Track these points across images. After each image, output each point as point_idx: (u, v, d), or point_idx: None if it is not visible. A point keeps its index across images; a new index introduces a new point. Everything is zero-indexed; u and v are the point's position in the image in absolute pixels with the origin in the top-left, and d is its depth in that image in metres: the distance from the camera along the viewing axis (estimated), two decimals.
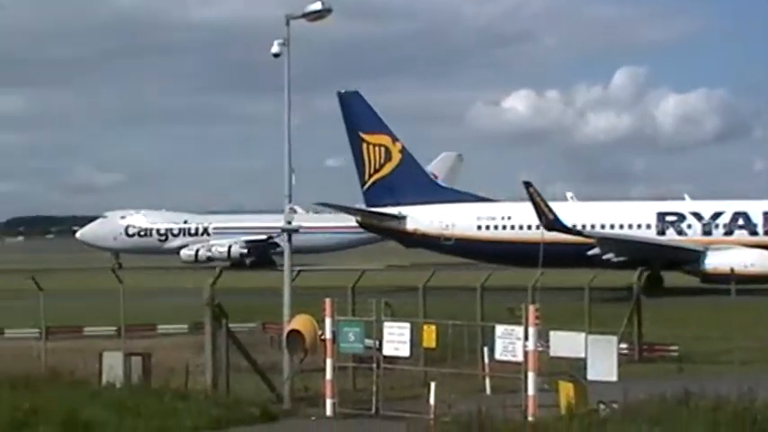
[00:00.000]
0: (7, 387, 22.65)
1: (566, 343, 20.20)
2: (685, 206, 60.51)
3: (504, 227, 60.93)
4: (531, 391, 19.63)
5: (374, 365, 21.90)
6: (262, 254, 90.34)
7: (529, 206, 53.91)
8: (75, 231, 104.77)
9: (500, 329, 20.39)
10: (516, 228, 60.26)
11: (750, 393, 18.28)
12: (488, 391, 23.36)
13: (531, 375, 19.68)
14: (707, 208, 59.38)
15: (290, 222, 24.43)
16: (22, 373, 24.15)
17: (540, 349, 20.25)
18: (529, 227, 58.58)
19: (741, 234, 57.94)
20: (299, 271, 26.03)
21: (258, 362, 23.89)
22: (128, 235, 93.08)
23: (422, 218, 62.73)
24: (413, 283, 29.05)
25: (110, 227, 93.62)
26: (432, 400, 20.40)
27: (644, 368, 27.72)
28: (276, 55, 23.34)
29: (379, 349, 21.79)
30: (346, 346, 22.11)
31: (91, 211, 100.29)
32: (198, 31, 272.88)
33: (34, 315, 30.03)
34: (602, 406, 19.14)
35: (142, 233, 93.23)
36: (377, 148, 64.27)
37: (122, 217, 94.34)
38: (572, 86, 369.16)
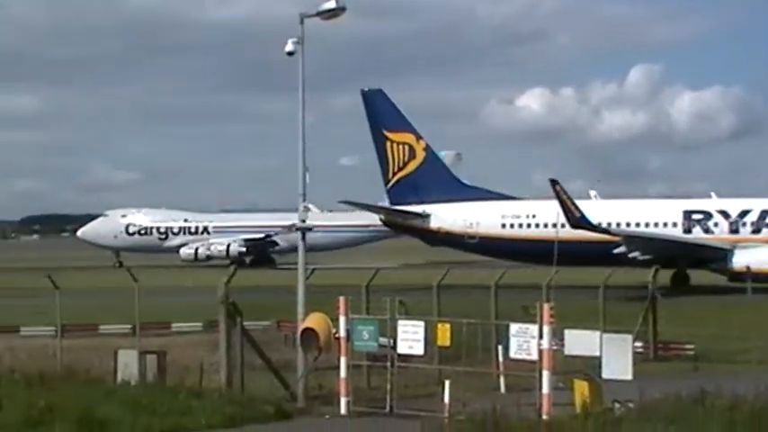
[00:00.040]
0: (23, 385, 22.76)
1: (580, 341, 20.15)
2: (712, 204, 60.10)
3: (529, 225, 60.65)
4: (545, 389, 19.59)
5: (388, 364, 21.88)
6: (260, 252, 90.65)
7: (553, 204, 53.79)
8: None
9: (514, 328, 20.35)
10: (541, 226, 60.00)
11: (767, 393, 18.18)
12: (503, 389, 23.33)
13: (545, 374, 19.64)
14: (734, 206, 58.97)
15: (304, 221, 24.44)
16: (37, 370, 24.24)
17: (555, 348, 20.21)
18: (553, 225, 58.55)
19: None
20: (313, 269, 26.04)
21: (272, 360, 23.93)
22: (128, 233, 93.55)
23: (446, 216, 62.54)
24: (427, 282, 29.01)
25: (111, 225, 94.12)
26: (446, 399, 20.38)
27: (659, 367, 27.62)
28: (290, 53, 23.33)
29: (394, 347, 21.77)
30: (360, 345, 22.11)
31: (106, 209, 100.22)
32: (213, 30, 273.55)
33: (49, 313, 30.15)
34: (617, 405, 19.08)
35: (143, 232, 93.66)
36: (401, 147, 64.16)
37: (123, 215, 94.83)
38: (587, 84, 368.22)
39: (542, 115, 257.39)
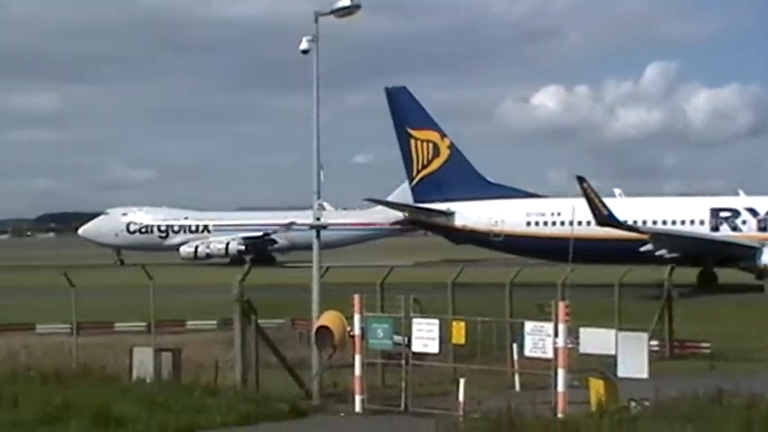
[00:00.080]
0: (39, 382, 22.85)
1: (595, 340, 20.08)
2: (740, 202, 59.63)
3: (554, 223, 60.42)
4: (560, 387, 19.53)
5: (403, 362, 21.86)
6: (260, 250, 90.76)
7: (578, 202, 53.67)
8: None
9: (529, 326, 20.29)
10: (566, 224, 59.84)
11: None
12: (518, 387, 23.29)
13: (560, 372, 19.58)
14: (762, 204, 58.50)
15: (319, 219, 24.43)
16: (53, 368, 24.33)
17: (570, 346, 20.13)
18: (579, 223, 58.43)
19: None
20: (327, 267, 26.04)
21: (287, 358, 23.94)
22: (129, 232, 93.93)
23: (470, 214, 62.34)
24: (441, 280, 28.97)
25: (112, 223, 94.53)
26: (461, 397, 20.35)
27: (675, 365, 27.52)
28: (305, 52, 23.34)
29: (408, 345, 21.75)
30: (375, 343, 22.09)
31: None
32: (227, 28, 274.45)
33: (64, 311, 30.26)
34: (632, 403, 19.00)
35: (143, 230, 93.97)
36: (425, 144, 64.00)
37: (124, 214, 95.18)
38: (602, 82, 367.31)
39: (557, 113, 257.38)
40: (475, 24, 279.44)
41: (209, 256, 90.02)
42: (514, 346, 22.51)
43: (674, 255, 53.98)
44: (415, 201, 65.09)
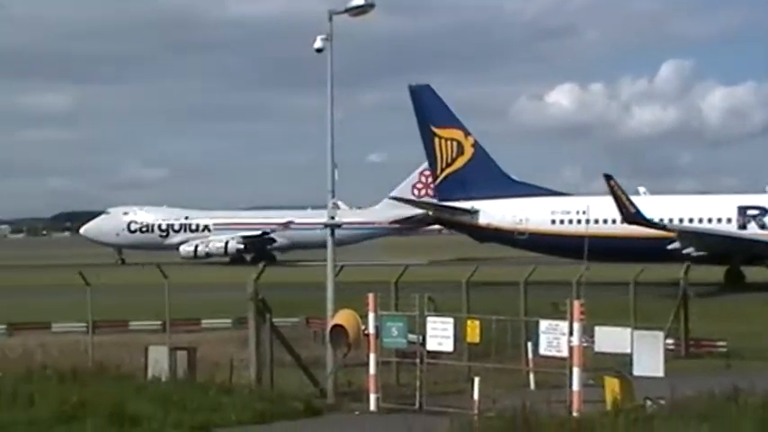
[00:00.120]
0: (55, 380, 22.95)
1: (611, 338, 20.03)
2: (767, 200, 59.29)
3: (579, 221, 60.24)
4: (575, 386, 19.48)
5: (417, 360, 21.84)
6: (259, 249, 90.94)
7: (604, 200, 53.39)
8: None
9: (544, 324, 20.25)
10: (591, 222, 59.60)
11: None
12: (532, 386, 23.23)
13: (575, 371, 19.53)
14: None
15: (333, 217, 24.44)
16: (69, 366, 24.42)
17: (585, 344, 20.08)
18: (605, 221, 58.16)
19: None
20: (342, 266, 26.05)
21: (302, 356, 23.97)
22: (130, 231, 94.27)
23: (494, 212, 62.15)
24: (456, 278, 28.94)
25: (113, 223, 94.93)
26: (476, 396, 20.32)
27: (691, 364, 27.41)
28: (319, 50, 23.33)
29: (423, 344, 21.73)
30: (389, 341, 22.08)
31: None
32: (242, 27, 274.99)
33: (79, 309, 30.38)
34: (648, 402, 18.93)
35: (144, 229, 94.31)
36: (449, 142, 63.87)
37: (125, 213, 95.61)
38: (617, 80, 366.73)
39: (572, 111, 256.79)
40: (490, 23, 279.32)
41: (208, 255, 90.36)
42: (529, 344, 22.48)
43: (701, 253, 53.71)
44: (439, 199, 65.00)
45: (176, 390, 21.70)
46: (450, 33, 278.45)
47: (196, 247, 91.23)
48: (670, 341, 27.06)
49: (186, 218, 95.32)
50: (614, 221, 55.02)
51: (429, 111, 63.74)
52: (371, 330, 22.00)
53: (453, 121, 64.04)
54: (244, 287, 23.39)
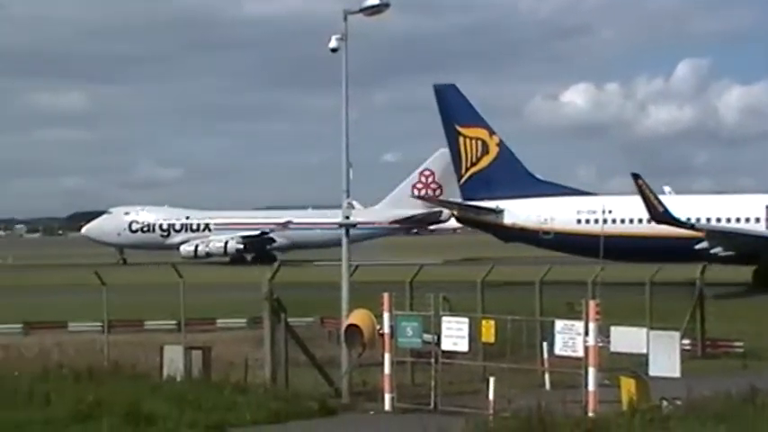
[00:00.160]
0: (71, 380, 23.05)
1: (626, 338, 19.96)
2: None
3: (605, 221, 60.02)
4: (591, 386, 19.41)
5: (432, 360, 21.82)
6: (258, 249, 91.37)
7: (630, 199, 53.12)
8: None
9: (560, 324, 20.19)
10: (618, 221, 59.28)
11: None
12: (548, 386, 23.18)
13: (591, 371, 19.46)
14: None
15: (348, 217, 24.42)
16: (85, 366, 24.52)
17: (601, 344, 20.01)
18: (631, 220, 57.93)
19: None
20: (357, 266, 26.03)
21: (316, 356, 23.97)
22: (131, 231, 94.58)
23: (520, 212, 61.90)
24: (471, 278, 28.89)
25: (114, 223, 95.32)
26: (491, 396, 20.28)
27: (707, 364, 27.27)
28: (334, 50, 23.33)
29: (438, 344, 21.70)
30: (404, 341, 22.05)
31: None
32: (257, 27, 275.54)
33: (95, 309, 30.48)
34: (664, 402, 18.83)
35: (145, 229, 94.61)
36: (474, 142, 63.65)
37: (126, 213, 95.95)
38: (632, 79, 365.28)
39: (587, 111, 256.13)
40: (505, 22, 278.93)
41: (208, 255, 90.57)
42: (544, 344, 22.41)
43: (729, 253, 53.36)
44: (464, 198, 64.75)
45: (191, 389, 21.75)
46: (464, 32, 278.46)
47: (196, 246, 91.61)
48: (686, 341, 26.90)
49: (187, 218, 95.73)
50: (640, 221, 54.70)
51: (454, 110, 63.52)
52: (386, 330, 21.98)
53: (478, 121, 63.82)
54: (254, 287, 23.43)
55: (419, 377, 23.48)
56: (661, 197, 56.62)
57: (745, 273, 55.16)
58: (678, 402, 18.65)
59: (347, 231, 24.53)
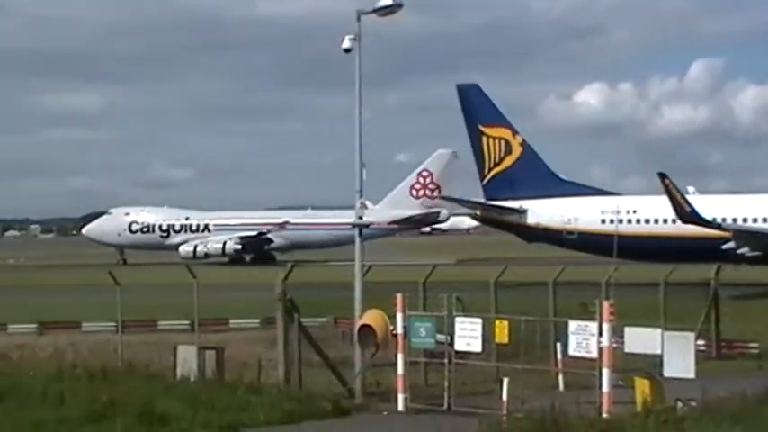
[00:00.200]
0: (85, 379, 23.09)
1: (641, 339, 19.86)
2: None
3: (630, 221, 59.68)
4: (605, 387, 19.34)
5: (446, 361, 21.78)
6: (257, 249, 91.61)
7: (654, 200, 52.85)
8: None
9: (573, 325, 20.12)
10: (642, 222, 59.04)
11: None
12: (561, 387, 23.10)
13: (605, 371, 19.39)
14: None
15: (361, 217, 24.41)
16: (99, 365, 24.58)
17: (615, 345, 19.94)
18: (656, 221, 57.69)
19: None
20: (370, 266, 26.01)
21: (330, 356, 23.96)
22: (131, 231, 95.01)
23: (543, 212, 61.70)
24: (484, 279, 28.84)
25: (114, 223, 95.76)
26: (504, 396, 20.23)
27: (722, 365, 27.15)
28: (347, 50, 23.32)
29: (451, 344, 21.66)
30: (418, 341, 22.02)
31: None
32: (270, 27, 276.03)
33: (109, 309, 30.55)
34: (679, 403, 18.75)
35: (145, 229, 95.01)
36: (497, 142, 63.53)
37: (126, 213, 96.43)
38: (646, 79, 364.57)
39: (601, 111, 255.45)
40: (518, 22, 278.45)
41: (207, 255, 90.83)
42: (558, 345, 22.35)
43: (755, 253, 53.03)
44: (487, 198, 64.57)
45: (205, 389, 21.77)
46: (477, 33, 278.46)
47: (195, 247, 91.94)
48: (701, 342, 26.80)
49: (187, 218, 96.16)
50: (665, 221, 54.42)
51: (477, 110, 63.44)
52: (399, 330, 21.96)
53: (501, 120, 63.67)
54: (266, 287, 23.43)
55: (432, 377, 23.45)
56: (688, 197, 56.31)
57: (760, 273, 54.87)
58: (693, 403, 18.57)
59: (360, 231, 24.52)
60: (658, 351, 19.61)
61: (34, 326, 36.84)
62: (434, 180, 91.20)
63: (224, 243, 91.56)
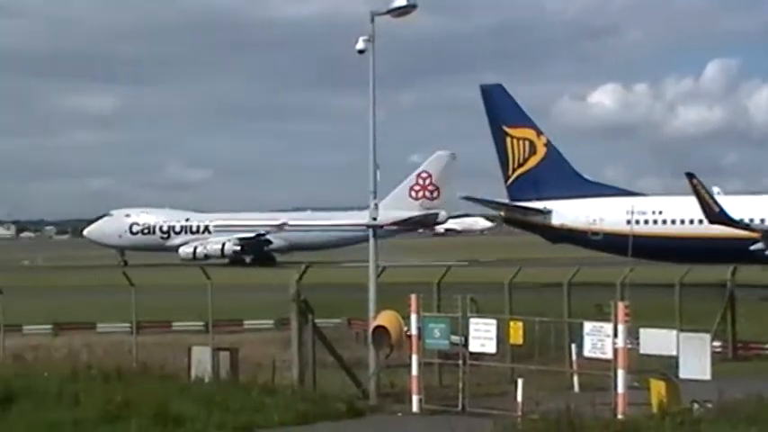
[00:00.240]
0: (100, 380, 23.16)
1: (656, 340, 19.79)
2: None
3: (656, 221, 59.33)
4: (620, 388, 19.26)
5: (460, 362, 21.74)
6: (256, 251, 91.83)
7: (680, 200, 52.54)
8: None
9: (588, 326, 20.06)
10: (668, 222, 58.75)
11: None
12: (576, 388, 23.03)
13: (620, 373, 19.31)
14: None
15: (375, 218, 24.39)
16: (114, 366, 24.64)
17: (630, 346, 19.84)
18: (681, 221, 57.42)
19: None
20: (384, 267, 25.98)
21: (344, 358, 23.95)
22: (132, 233, 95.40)
23: (568, 212, 61.48)
24: (498, 280, 28.77)
25: (115, 225, 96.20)
26: (519, 398, 20.18)
27: (738, 367, 26.99)
28: (361, 51, 23.31)
29: (465, 345, 21.62)
30: (432, 343, 21.99)
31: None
32: (284, 28, 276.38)
33: (123, 310, 30.62)
34: (695, 405, 18.65)
35: (146, 231, 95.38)
36: (521, 142, 63.37)
37: (127, 215, 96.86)
38: (661, 80, 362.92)
39: (615, 111, 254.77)
40: (532, 22, 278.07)
41: (207, 256, 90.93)
42: (573, 346, 22.27)
43: None
44: (511, 199, 64.40)
45: (219, 390, 21.80)
46: (491, 33, 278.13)
47: (195, 248, 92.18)
48: (717, 343, 26.65)
49: (187, 220, 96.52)
50: (692, 222, 54.09)
51: (501, 110, 63.27)
52: (414, 331, 21.93)
53: (525, 121, 63.49)
54: (279, 288, 23.43)
55: (447, 379, 23.39)
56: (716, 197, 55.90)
57: None
58: (709, 405, 18.48)
59: (374, 232, 24.50)
60: (674, 352, 19.52)
61: (49, 327, 36.97)
62: (433, 181, 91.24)
63: (223, 244, 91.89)
